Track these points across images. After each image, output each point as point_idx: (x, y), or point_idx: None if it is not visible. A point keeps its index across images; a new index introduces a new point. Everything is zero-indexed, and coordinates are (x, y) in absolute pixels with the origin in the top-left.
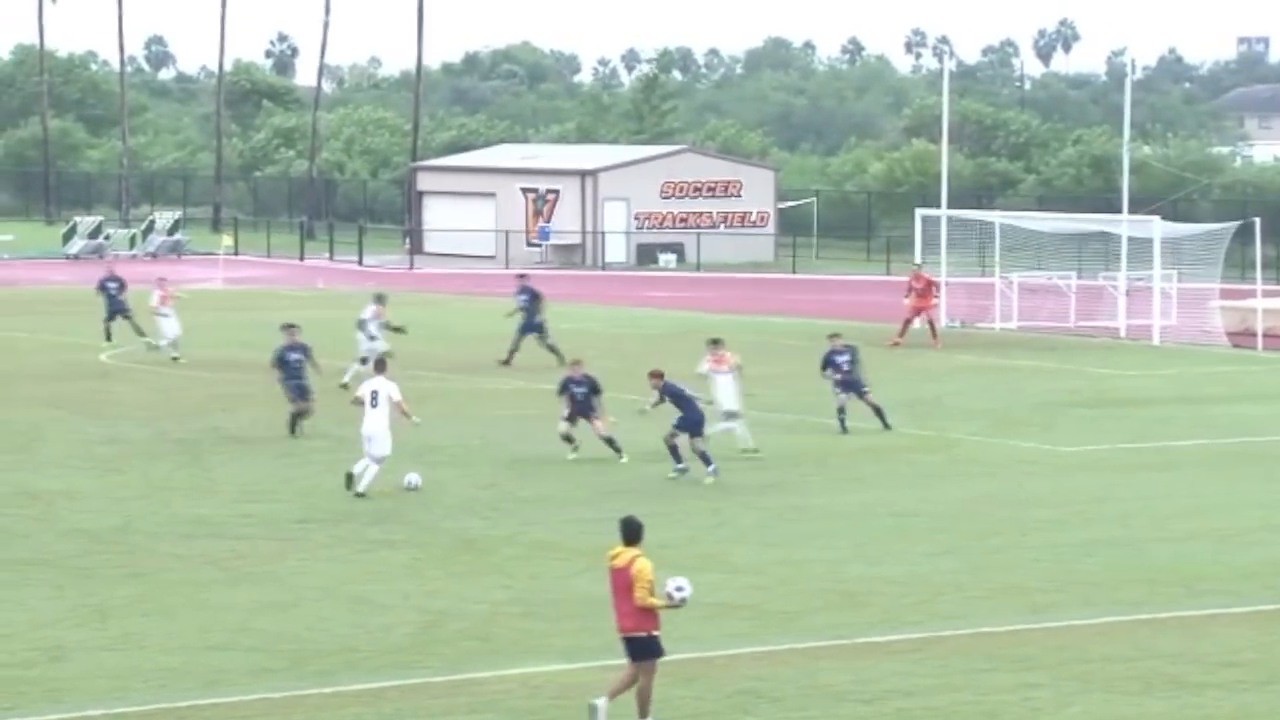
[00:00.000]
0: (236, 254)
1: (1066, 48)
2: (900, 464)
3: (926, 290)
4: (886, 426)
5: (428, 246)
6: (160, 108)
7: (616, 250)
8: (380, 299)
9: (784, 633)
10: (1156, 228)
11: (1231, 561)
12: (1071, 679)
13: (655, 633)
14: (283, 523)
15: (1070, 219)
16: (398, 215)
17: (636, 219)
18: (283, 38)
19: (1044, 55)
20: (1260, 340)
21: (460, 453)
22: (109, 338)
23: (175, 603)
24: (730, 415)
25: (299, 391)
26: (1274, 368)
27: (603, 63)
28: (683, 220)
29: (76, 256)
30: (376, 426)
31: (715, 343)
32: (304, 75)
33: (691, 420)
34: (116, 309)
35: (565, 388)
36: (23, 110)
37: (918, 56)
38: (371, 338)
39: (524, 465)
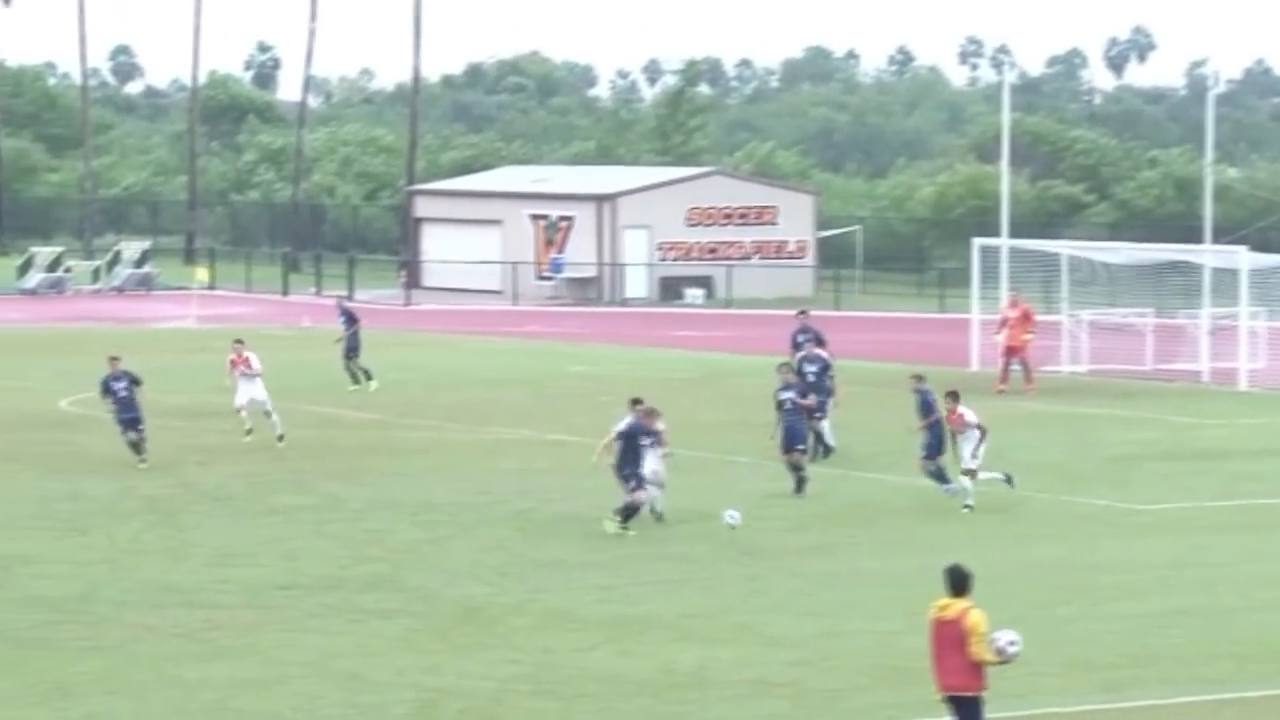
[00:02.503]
0: (213, 289)
1: (1141, 58)
2: (956, 524)
3: (1021, 322)
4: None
5: (426, 280)
6: (127, 125)
7: (637, 284)
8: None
9: (826, 713)
10: (1243, 259)
11: None
12: None
13: (983, 693)
14: (264, 590)
15: (1146, 249)
16: (393, 245)
17: (659, 249)
18: (264, 48)
19: (1116, 66)
20: None
21: (462, 510)
22: (355, 380)
23: (144, 679)
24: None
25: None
26: None
27: (622, 75)
28: (711, 251)
29: (34, 291)
30: (654, 464)
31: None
32: (287, 89)
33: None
34: (350, 347)
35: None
36: None
37: (974, 68)
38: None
39: (534, 525)
